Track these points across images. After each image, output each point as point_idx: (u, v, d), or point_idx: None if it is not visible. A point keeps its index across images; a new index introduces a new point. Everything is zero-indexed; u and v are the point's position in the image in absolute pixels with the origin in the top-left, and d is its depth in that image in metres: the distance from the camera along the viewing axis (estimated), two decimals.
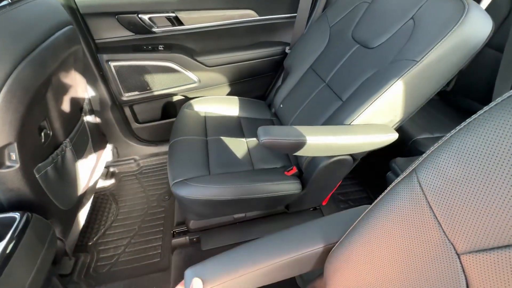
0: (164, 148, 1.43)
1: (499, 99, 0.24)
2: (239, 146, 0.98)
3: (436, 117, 1.08)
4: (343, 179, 0.98)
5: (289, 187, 0.84)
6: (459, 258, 0.27)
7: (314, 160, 0.81)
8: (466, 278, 0.27)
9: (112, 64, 1.12)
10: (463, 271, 0.27)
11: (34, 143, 0.69)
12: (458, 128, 0.27)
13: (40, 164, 0.71)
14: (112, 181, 1.36)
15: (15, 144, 0.60)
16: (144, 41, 1.14)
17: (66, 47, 0.76)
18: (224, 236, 0.99)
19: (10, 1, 0.66)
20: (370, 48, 0.81)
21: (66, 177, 0.85)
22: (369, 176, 1.30)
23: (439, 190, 0.27)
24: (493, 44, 1.01)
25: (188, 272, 0.46)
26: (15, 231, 0.59)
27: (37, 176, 0.70)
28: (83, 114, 0.98)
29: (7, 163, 0.61)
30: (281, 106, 1.11)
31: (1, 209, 0.66)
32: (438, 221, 0.28)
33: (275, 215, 1.04)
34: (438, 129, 1.04)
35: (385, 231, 0.33)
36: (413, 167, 0.31)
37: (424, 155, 0.30)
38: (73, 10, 0.97)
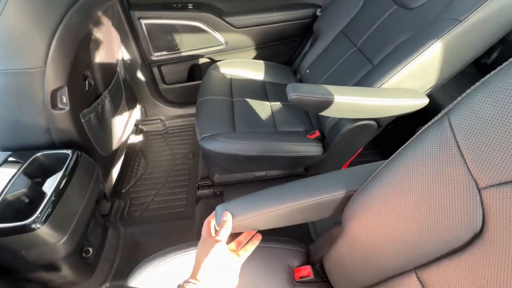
0: (189, 110, 1.49)
1: None
2: (263, 108, 1.01)
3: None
4: (364, 148, 0.99)
5: (310, 149, 0.87)
6: (479, 192, 0.29)
7: (338, 124, 0.82)
8: (483, 212, 0.29)
9: (143, 21, 1.14)
10: (482, 204, 0.29)
11: (80, 89, 0.75)
12: (498, 68, 0.28)
13: (85, 110, 0.78)
14: (141, 138, 1.46)
15: (66, 88, 0.67)
16: None
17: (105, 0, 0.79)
18: (246, 191, 1.03)
19: None
20: (409, 8, 0.77)
21: (105, 126, 0.92)
22: (391, 147, 1.29)
23: (469, 129, 0.29)
24: None
25: (219, 208, 0.51)
26: (68, 165, 0.68)
27: (82, 121, 0.77)
28: (118, 69, 1.04)
29: (59, 105, 0.68)
30: (307, 71, 1.10)
31: (54, 147, 0.74)
32: (464, 158, 0.30)
33: (294, 176, 1.08)
34: None
35: (409, 172, 0.36)
36: (445, 111, 0.33)
37: (459, 98, 0.31)
38: None
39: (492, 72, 0.28)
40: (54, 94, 0.66)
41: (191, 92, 1.38)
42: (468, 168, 0.30)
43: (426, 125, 0.35)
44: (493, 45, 0.65)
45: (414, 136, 0.37)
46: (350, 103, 0.66)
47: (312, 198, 0.50)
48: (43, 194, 0.63)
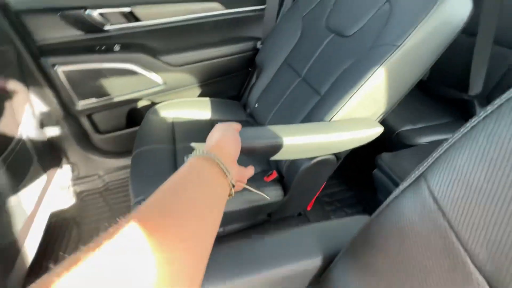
0: None
1: (506, 95, 0.18)
2: None
3: (416, 108, 1.05)
4: (327, 179, 0.92)
5: (270, 194, 0.75)
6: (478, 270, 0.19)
7: (295, 163, 0.73)
8: None
9: (60, 68, 0.97)
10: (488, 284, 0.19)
11: None
12: (469, 125, 0.20)
13: None
14: (72, 203, 1.20)
15: None
16: (97, 41, 1.01)
17: None
18: None
19: None
20: (346, 36, 0.75)
21: (1, 205, 0.70)
22: (354, 174, 1.24)
23: (454, 196, 0.20)
24: (465, 29, 0.99)
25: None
26: None
27: None
28: (20, 130, 0.83)
29: None
30: (256, 105, 1.03)
31: None
32: (453, 230, 0.20)
33: (257, 226, 0.94)
34: (420, 119, 1.00)
35: (393, 243, 0.26)
36: (420, 172, 0.23)
37: (431, 159, 0.22)
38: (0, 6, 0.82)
39: (464, 130, 0.20)
40: None
41: (132, 139, 1.19)
42: (459, 240, 0.20)
43: (400, 188, 0.26)
44: None
45: (389, 200, 0.27)
46: (302, 143, 0.57)
47: (285, 264, 0.37)
48: None
